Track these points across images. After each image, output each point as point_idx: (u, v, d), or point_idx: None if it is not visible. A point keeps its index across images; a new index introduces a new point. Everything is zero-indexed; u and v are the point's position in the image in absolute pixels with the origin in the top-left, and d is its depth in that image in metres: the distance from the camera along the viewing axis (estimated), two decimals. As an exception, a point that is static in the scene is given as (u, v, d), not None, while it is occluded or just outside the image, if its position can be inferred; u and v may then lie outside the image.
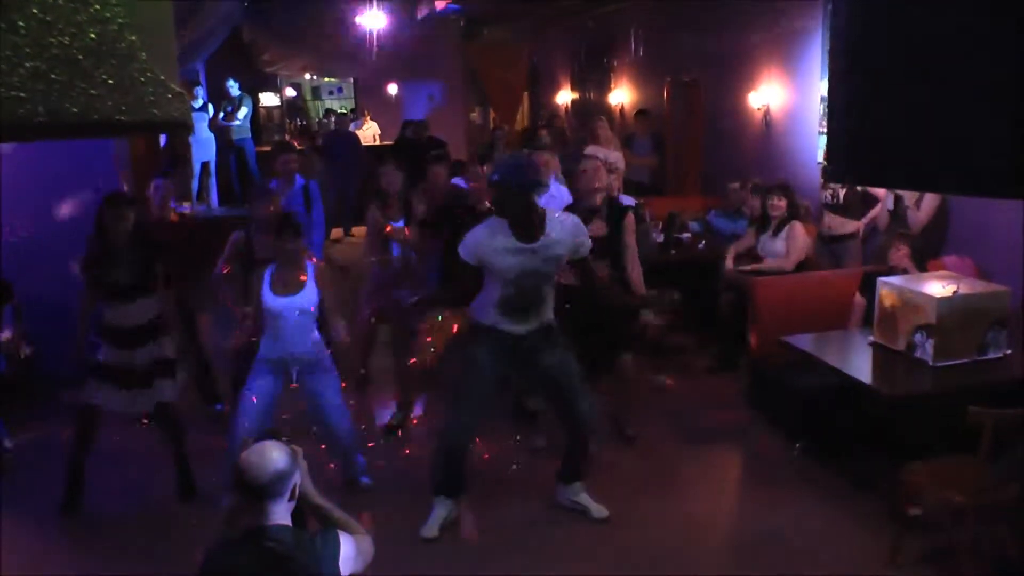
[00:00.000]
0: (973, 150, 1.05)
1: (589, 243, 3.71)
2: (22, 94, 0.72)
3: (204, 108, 10.49)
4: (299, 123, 14.72)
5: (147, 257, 4.07)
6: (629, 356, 4.76)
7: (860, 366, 4.21)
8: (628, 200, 6.61)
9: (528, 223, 3.53)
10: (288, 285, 3.89)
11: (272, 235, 4.02)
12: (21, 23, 0.72)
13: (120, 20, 0.81)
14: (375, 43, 11.75)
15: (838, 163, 1.29)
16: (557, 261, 3.62)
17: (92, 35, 0.78)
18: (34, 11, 0.73)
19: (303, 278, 3.92)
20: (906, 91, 1.14)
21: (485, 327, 3.69)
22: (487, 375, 3.73)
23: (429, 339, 4.21)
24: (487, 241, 3.55)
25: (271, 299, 3.87)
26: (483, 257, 3.56)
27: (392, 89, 14.54)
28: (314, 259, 4.16)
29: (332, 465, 4.31)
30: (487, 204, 4.64)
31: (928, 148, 1.10)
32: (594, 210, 4.52)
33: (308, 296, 3.91)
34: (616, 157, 7.96)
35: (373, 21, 11.36)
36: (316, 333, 4.02)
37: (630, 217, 4.68)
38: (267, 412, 3.94)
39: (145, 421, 4.68)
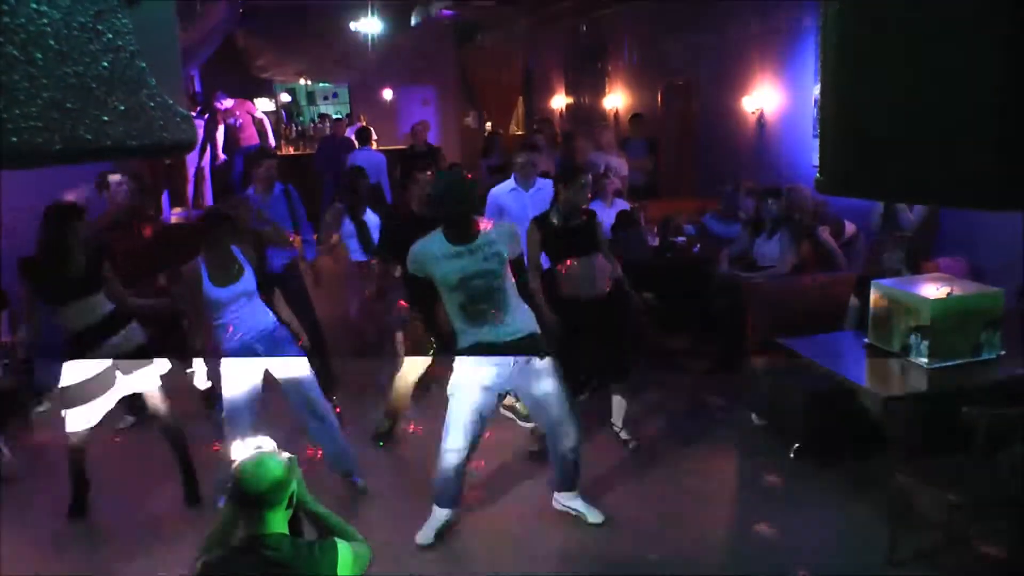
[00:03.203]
0: (968, 161, 1.06)
1: (520, 248, 3.79)
2: (39, 124, 0.75)
3: (200, 115, 10.49)
4: (294, 128, 14.72)
5: (93, 256, 4.07)
6: (627, 360, 4.78)
7: (855, 368, 4.24)
8: (623, 204, 6.68)
9: (459, 225, 3.60)
10: (225, 275, 3.99)
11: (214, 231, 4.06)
12: (39, 55, 0.75)
13: (131, 48, 0.83)
14: (369, 48, 11.77)
15: (830, 174, 1.30)
16: (499, 258, 3.62)
17: (105, 64, 0.81)
18: (51, 42, 0.76)
19: (235, 262, 4.03)
20: (899, 100, 1.16)
21: (467, 351, 3.71)
22: (479, 399, 3.74)
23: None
24: (425, 250, 3.62)
25: (215, 292, 3.95)
26: (426, 268, 3.62)
27: (387, 94, 14.57)
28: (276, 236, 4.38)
29: (317, 454, 4.33)
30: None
31: (923, 160, 1.12)
32: (563, 214, 4.58)
33: (248, 279, 4.03)
34: (618, 163, 8.04)
35: (368, 26, 11.39)
36: (265, 310, 4.13)
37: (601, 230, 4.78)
38: (253, 402, 4.04)
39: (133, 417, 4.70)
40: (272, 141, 11.36)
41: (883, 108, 1.10)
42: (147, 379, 4.17)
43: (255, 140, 11.22)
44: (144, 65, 0.83)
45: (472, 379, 3.72)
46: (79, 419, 4.04)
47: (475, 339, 3.67)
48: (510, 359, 3.68)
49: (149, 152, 0.84)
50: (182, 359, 5.23)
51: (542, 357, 3.75)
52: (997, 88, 1.01)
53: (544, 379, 3.75)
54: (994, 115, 1.01)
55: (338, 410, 5.03)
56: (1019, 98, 0.94)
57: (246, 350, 4.03)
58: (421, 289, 3.74)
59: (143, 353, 4.18)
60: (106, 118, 0.79)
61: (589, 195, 4.67)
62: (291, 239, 5.21)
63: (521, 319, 3.72)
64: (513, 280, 3.72)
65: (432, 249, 3.60)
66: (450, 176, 3.83)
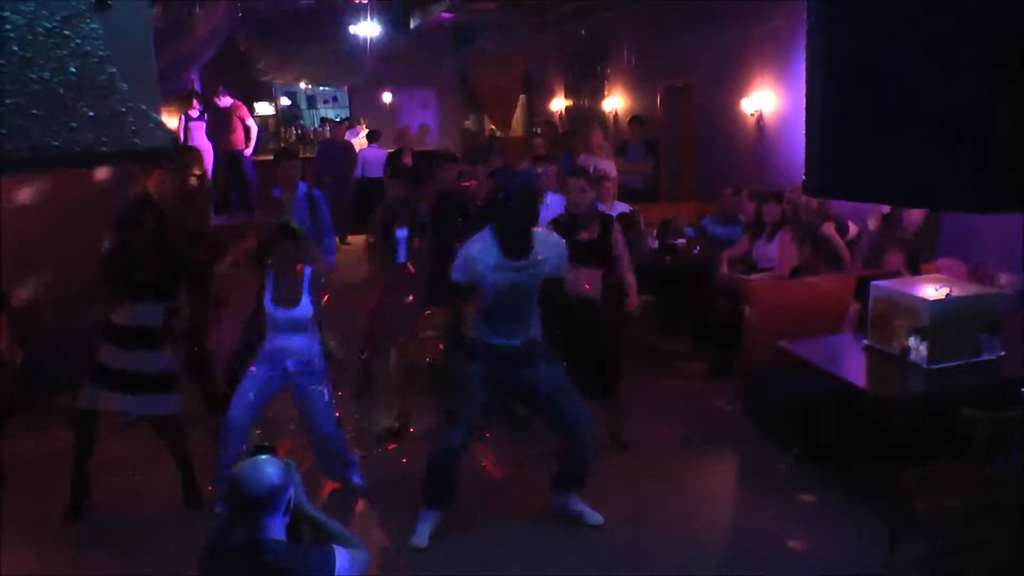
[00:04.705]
0: (952, 164, 1.06)
1: (567, 263, 3.84)
2: (3, 131, 0.74)
3: (201, 117, 10.50)
4: (295, 132, 14.72)
5: (167, 263, 4.14)
6: (621, 362, 4.77)
7: (855, 370, 4.22)
8: (622, 207, 6.67)
9: (520, 241, 3.63)
10: (285, 297, 4.03)
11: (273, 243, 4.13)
12: (2, 61, 0.74)
13: (101, 53, 0.82)
14: (369, 52, 11.79)
15: (817, 177, 1.29)
16: (540, 279, 3.72)
17: (73, 69, 0.80)
18: (14, 48, 0.75)
19: (299, 288, 4.05)
20: (883, 103, 1.15)
21: (478, 341, 3.80)
22: (480, 389, 3.79)
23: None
24: (480, 258, 3.64)
25: (271, 308, 4.04)
26: (477, 275, 3.65)
27: (387, 97, 14.58)
28: (320, 264, 4.33)
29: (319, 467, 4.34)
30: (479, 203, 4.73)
31: (908, 162, 1.11)
32: (580, 219, 4.59)
33: (304, 308, 4.05)
34: (607, 166, 8.01)
35: (367, 30, 11.39)
36: (314, 340, 4.12)
37: (616, 227, 4.80)
38: (258, 404, 4.07)
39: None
40: (249, 151, 11.22)
41: (867, 113, 1.09)
42: (165, 405, 4.16)
43: (242, 145, 11.17)
44: (115, 70, 0.82)
45: (476, 370, 3.77)
46: (93, 398, 4.05)
47: (485, 338, 3.75)
48: (516, 355, 3.75)
49: (122, 158, 0.83)
50: (203, 389, 5.24)
51: (546, 360, 3.81)
52: (977, 94, 1.00)
53: (541, 367, 3.80)
54: (974, 120, 1.00)
55: (337, 414, 5.02)
56: (999, 103, 0.93)
57: (274, 360, 4.05)
58: (458, 291, 3.79)
59: (166, 380, 4.17)
60: (75, 124, 0.78)
61: (579, 198, 4.65)
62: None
63: (532, 326, 3.79)
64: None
65: (485, 258, 3.62)
66: (518, 180, 3.74)
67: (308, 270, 4.10)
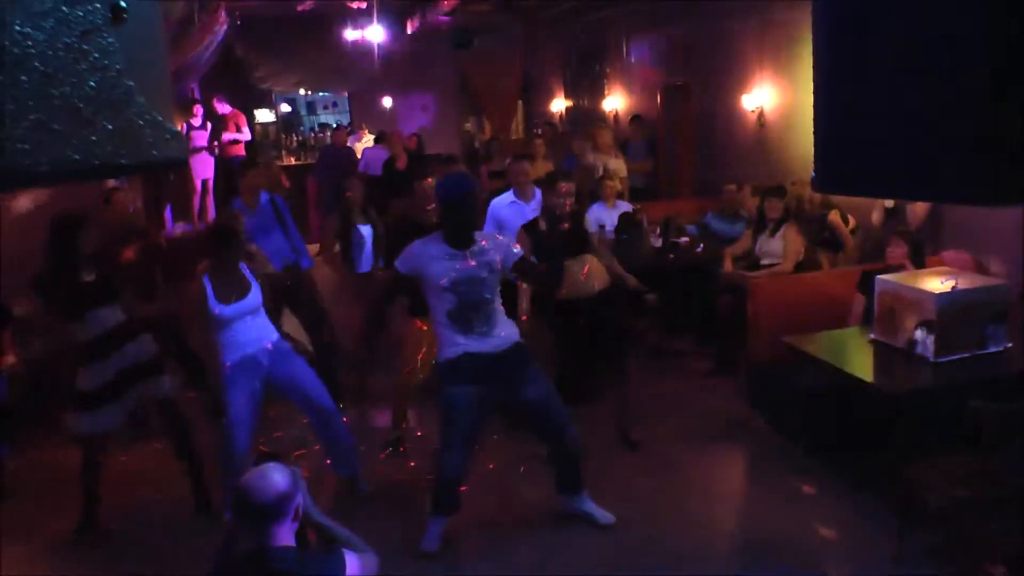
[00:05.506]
0: (959, 157, 1.07)
1: (519, 251, 3.86)
2: (26, 146, 0.75)
3: (203, 126, 10.52)
4: (296, 138, 14.76)
5: (105, 267, 4.09)
6: (629, 360, 4.78)
7: (861, 364, 4.22)
8: (625, 206, 6.69)
9: (460, 230, 3.70)
10: (232, 293, 4.00)
11: (212, 248, 4.06)
12: (24, 77, 0.75)
13: (118, 66, 0.84)
14: (367, 56, 11.81)
15: (825, 172, 1.30)
16: (491, 267, 3.73)
17: (92, 83, 0.81)
18: (36, 64, 0.76)
19: (244, 279, 4.04)
20: (887, 99, 1.16)
21: (454, 361, 3.74)
22: (467, 410, 3.76)
23: (420, 356, 4.34)
24: (422, 250, 3.73)
25: (220, 308, 3.97)
26: (418, 266, 3.71)
27: (386, 102, 14.61)
28: (268, 266, 4.34)
29: (328, 461, 4.37)
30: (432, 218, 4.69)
31: (916, 156, 1.12)
32: (562, 224, 4.59)
33: (255, 295, 4.04)
34: (616, 164, 8.03)
35: (365, 35, 11.42)
36: (270, 324, 4.14)
37: (596, 237, 4.97)
38: (254, 414, 4.08)
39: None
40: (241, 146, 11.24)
41: (872, 109, 1.10)
42: (158, 389, 4.17)
43: (241, 152, 11.18)
44: (132, 83, 0.83)
45: (461, 391, 3.74)
46: (91, 423, 4.03)
47: (463, 349, 3.72)
48: (498, 366, 3.74)
49: (139, 169, 0.85)
50: (192, 371, 5.29)
51: (528, 363, 3.82)
52: (979, 89, 1.01)
53: (527, 381, 3.80)
54: (976, 116, 1.01)
55: (345, 420, 5.03)
56: (999, 99, 0.94)
57: (249, 362, 4.04)
58: (396, 287, 3.89)
59: (155, 365, 4.18)
60: (94, 137, 0.79)
61: (568, 201, 4.66)
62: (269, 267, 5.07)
63: (507, 330, 3.80)
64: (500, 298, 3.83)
65: (429, 249, 3.71)
66: (456, 181, 3.83)
67: (244, 266, 4.08)
